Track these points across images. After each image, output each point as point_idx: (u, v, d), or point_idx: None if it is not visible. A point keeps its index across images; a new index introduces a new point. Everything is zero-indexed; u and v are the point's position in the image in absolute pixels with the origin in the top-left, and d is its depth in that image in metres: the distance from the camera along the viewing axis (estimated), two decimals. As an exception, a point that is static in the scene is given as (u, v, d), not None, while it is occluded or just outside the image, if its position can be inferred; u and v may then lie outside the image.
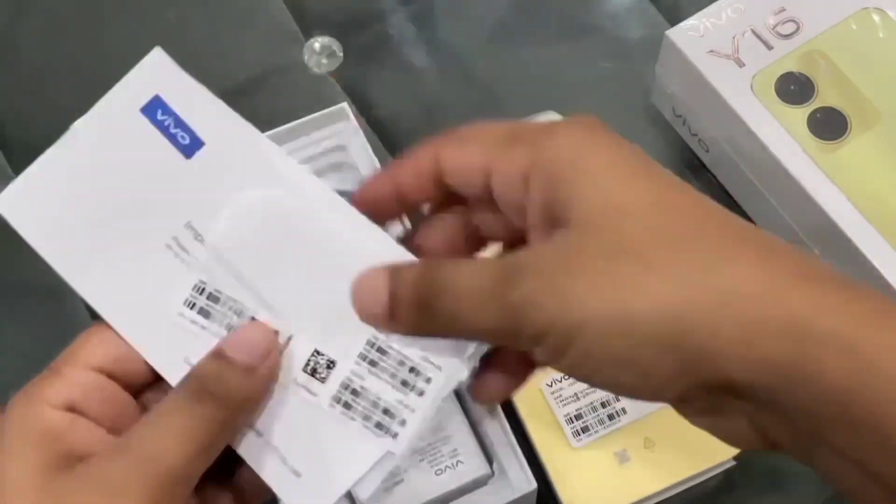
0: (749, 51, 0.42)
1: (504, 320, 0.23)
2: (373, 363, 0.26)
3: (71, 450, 0.25)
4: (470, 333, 0.24)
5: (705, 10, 0.43)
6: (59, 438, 0.25)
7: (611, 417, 0.39)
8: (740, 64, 0.42)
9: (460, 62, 0.49)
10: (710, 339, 0.21)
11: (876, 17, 0.42)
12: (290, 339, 0.27)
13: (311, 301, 0.26)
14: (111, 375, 0.27)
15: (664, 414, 0.38)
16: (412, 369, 0.26)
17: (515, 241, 0.26)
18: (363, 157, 0.42)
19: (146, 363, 0.27)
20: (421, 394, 0.26)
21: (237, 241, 0.27)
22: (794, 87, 0.41)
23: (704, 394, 0.22)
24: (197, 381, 0.26)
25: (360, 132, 0.42)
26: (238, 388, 0.25)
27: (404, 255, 0.26)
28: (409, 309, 0.24)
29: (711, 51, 0.42)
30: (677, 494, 0.39)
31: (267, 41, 0.50)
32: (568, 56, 0.49)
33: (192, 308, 0.27)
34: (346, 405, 0.26)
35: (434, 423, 0.37)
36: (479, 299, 0.23)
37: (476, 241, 0.27)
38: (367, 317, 0.25)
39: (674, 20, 0.47)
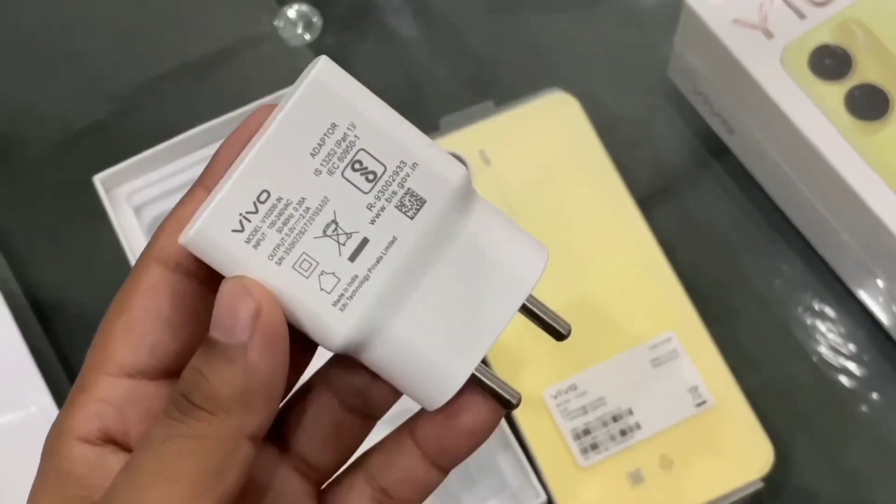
0: (779, 20, 0.41)
1: None
2: None
3: (93, 494, 0.22)
4: None
5: (729, -25, 0.42)
6: (80, 482, 0.23)
7: (623, 433, 0.39)
8: (769, 35, 0.41)
9: (453, 32, 0.49)
10: None
11: (921, -17, 0.42)
12: None
13: None
14: (153, 373, 0.23)
15: (684, 429, 0.39)
16: None
17: None
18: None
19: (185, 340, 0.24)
20: None
21: None
22: (829, 62, 0.41)
23: None
24: (177, 390, 0.22)
25: None
26: (226, 383, 0.21)
27: None
28: None
29: (736, 20, 0.42)
30: (698, 520, 0.39)
31: (236, 9, 0.50)
32: (575, 26, 0.49)
33: None
34: None
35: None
36: None
37: None
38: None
39: (694, -14, 0.47)
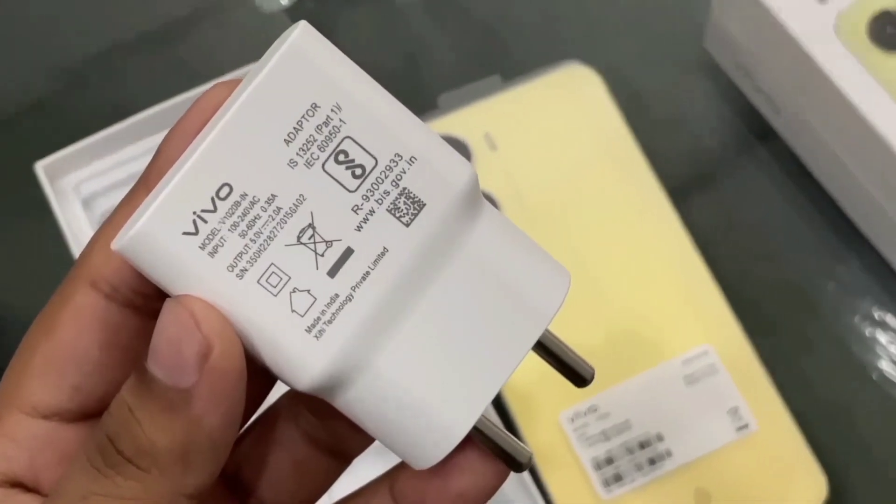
0: (833, -19, 0.41)
1: None
2: None
3: None
4: None
5: (776, -71, 0.42)
6: None
7: (651, 462, 0.38)
8: (822, -1, 0.41)
9: (454, -5, 0.49)
10: None
11: None
12: None
13: None
14: (73, 415, 0.22)
15: (722, 457, 0.39)
16: None
17: None
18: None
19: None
20: None
21: None
22: (891, 30, 0.40)
23: None
24: (103, 430, 0.20)
25: None
26: (164, 434, 0.19)
27: None
28: None
29: (783, -19, 0.41)
30: (740, 563, 0.38)
31: (202, -31, 0.50)
32: (597, -11, 0.49)
33: None
34: None
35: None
36: None
37: None
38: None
39: (734, -58, 0.47)
